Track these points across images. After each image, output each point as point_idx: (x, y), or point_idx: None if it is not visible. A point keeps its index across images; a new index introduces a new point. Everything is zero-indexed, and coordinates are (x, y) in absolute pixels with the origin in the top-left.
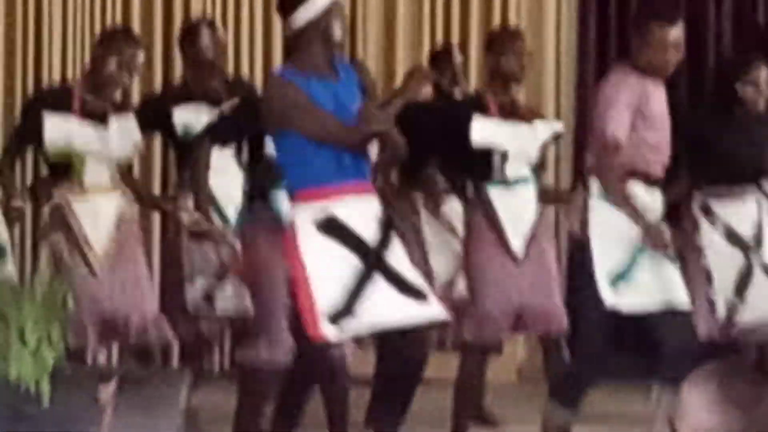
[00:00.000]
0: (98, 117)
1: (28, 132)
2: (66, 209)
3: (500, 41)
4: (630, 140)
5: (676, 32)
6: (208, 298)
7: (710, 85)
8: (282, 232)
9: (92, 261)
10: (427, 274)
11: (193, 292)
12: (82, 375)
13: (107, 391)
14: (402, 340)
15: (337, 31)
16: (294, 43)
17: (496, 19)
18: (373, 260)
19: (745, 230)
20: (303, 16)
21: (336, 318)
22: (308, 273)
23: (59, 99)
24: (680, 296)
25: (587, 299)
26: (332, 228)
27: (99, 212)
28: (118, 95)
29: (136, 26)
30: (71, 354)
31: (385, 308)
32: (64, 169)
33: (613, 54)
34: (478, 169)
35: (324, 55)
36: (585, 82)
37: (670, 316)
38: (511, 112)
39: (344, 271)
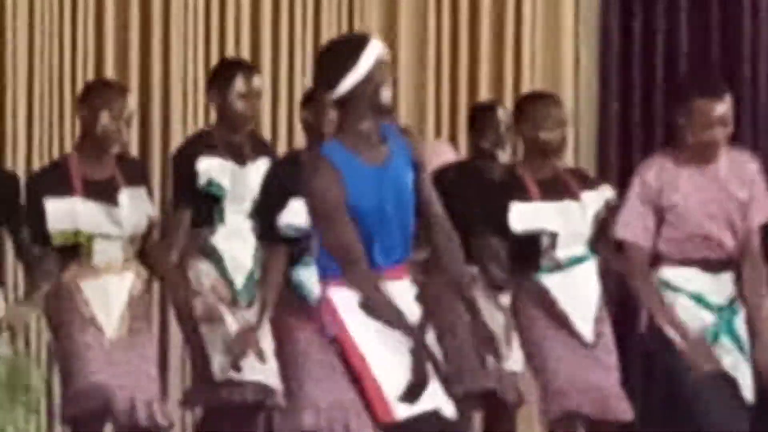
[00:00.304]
0: (105, 193)
1: (35, 219)
2: (74, 290)
3: (535, 109)
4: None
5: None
6: (236, 367)
7: None
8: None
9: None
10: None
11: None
12: None
13: None
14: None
15: (386, 95)
16: (339, 114)
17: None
18: (419, 341)
19: None
20: (348, 83)
21: (405, 398)
22: (368, 360)
23: (56, 180)
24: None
25: None
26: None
27: (109, 292)
28: (116, 150)
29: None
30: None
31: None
32: (72, 249)
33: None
34: (525, 256)
35: (374, 125)
36: (607, 93)
37: None
38: (553, 187)
39: (401, 351)
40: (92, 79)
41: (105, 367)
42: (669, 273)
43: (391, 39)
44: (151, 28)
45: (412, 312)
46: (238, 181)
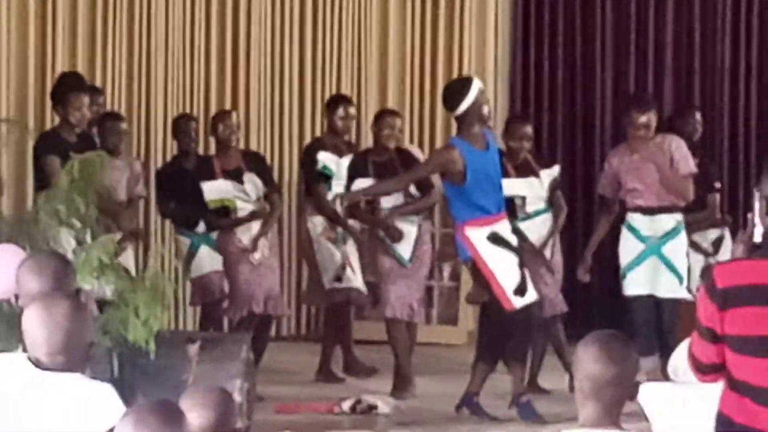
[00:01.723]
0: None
1: None
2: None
3: (512, 128)
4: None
5: (644, 117)
6: (338, 279)
7: None
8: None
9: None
10: None
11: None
12: (177, 338)
13: (194, 349)
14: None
15: (486, 110)
16: (459, 123)
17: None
18: (521, 258)
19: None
20: (464, 105)
21: (518, 291)
22: (494, 272)
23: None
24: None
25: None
26: (497, 240)
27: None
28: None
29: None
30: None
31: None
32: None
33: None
34: (510, 211)
35: (480, 129)
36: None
37: (659, 301)
38: (523, 169)
39: (511, 264)
40: None
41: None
42: (627, 216)
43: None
44: None
45: (513, 239)
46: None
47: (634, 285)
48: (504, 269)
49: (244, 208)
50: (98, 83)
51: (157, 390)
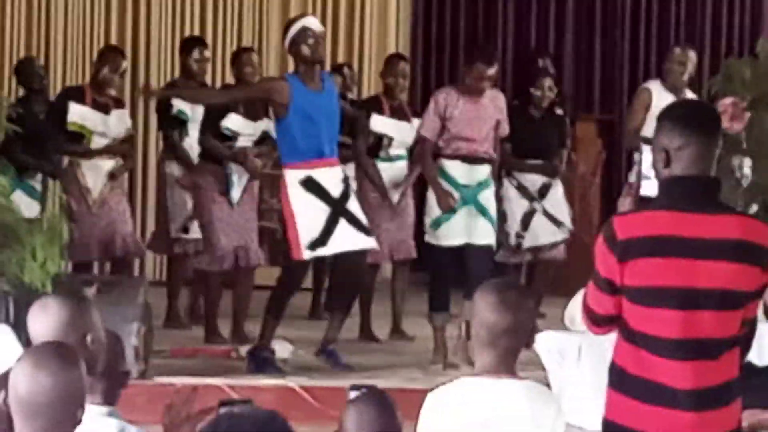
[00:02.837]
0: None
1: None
2: (76, 168)
3: (388, 65)
4: (442, 135)
5: (491, 70)
6: (185, 229)
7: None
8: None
9: (90, 203)
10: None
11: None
12: (75, 281)
13: (90, 292)
14: (350, 259)
15: (306, 50)
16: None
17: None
18: (338, 208)
19: (533, 186)
20: (286, 42)
21: (313, 246)
22: (295, 218)
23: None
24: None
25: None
26: (310, 185)
27: (99, 170)
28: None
29: None
30: (78, 265)
31: (344, 240)
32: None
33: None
34: (373, 148)
35: (308, 69)
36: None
37: (474, 248)
38: (398, 112)
39: (317, 215)
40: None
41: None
42: (442, 163)
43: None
44: None
45: (337, 188)
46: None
47: (451, 236)
48: (307, 218)
49: (98, 143)
50: None
51: None
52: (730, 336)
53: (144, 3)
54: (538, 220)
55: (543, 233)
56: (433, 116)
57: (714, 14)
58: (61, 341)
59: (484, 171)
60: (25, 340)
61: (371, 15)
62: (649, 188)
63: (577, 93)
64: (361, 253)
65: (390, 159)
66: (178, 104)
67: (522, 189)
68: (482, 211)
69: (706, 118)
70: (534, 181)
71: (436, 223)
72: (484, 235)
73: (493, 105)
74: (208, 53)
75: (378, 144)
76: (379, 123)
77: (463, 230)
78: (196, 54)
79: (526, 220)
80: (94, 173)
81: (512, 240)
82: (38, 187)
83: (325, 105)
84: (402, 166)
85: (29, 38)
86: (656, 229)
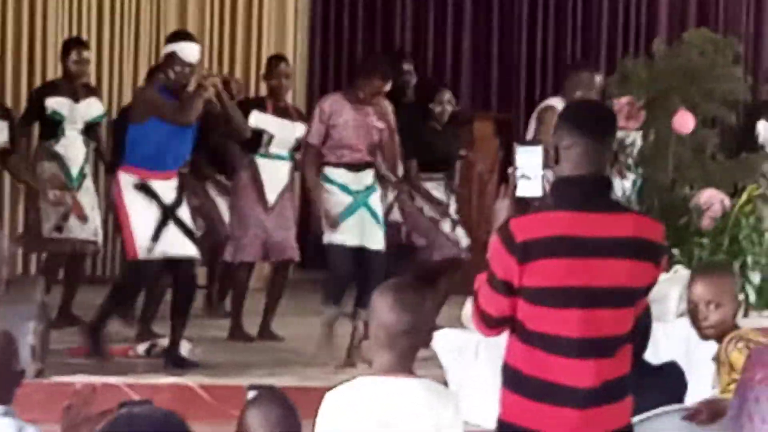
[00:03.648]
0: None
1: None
2: None
3: (269, 66)
4: (326, 143)
5: (388, 86)
6: (58, 228)
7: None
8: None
9: None
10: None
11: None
12: None
13: None
14: (182, 268)
15: (172, 75)
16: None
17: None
18: (168, 213)
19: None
20: (163, 53)
21: (146, 242)
22: (130, 219)
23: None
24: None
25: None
26: (144, 189)
27: None
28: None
29: None
30: None
31: (173, 245)
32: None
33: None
34: (253, 144)
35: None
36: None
37: (371, 254)
38: (282, 112)
39: (150, 215)
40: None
41: None
42: (327, 170)
43: None
44: None
45: (169, 195)
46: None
47: (347, 235)
48: (141, 218)
49: None
50: None
51: None
52: (624, 333)
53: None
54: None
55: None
56: (318, 123)
57: (610, 14)
58: None
59: (369, 175)
60: None
61: (269, 20)
62: (526, 189)
63: (474, 92)
64: (191, 262)
65: (269, 156)
66: (53, 104)
67: (430, 199)
68: (373, 214)
69: (596, 118)
70: (440, 191)
71: (334, 223)
72: (378, 240)
73: (379, 114)
74: (87, 54)
75: (257, 140)
76: (260, 120)
77: (359, 232)
78: (74, 56)
79: (453, 223)
80: None
81: (452, 235)
82: None
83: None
84: (282, 165)
85: None
86: (554, 229)
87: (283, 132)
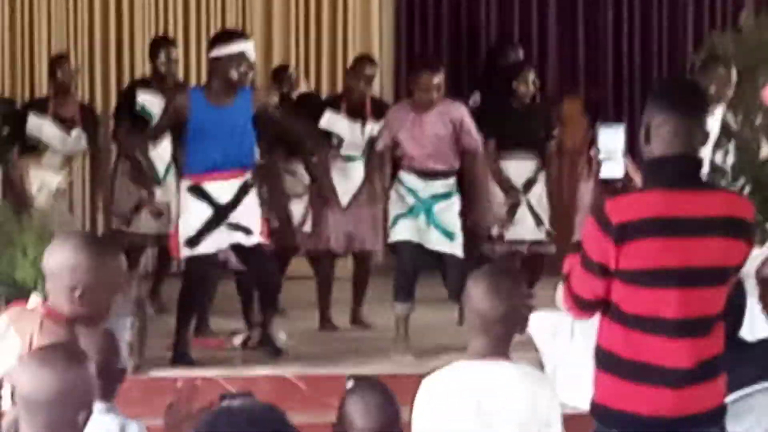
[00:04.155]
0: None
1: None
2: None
3: (355, 65)
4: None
5: (437, 78)
6: (127, 222)
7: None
8: None
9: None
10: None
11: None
12: None
13: None
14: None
15: (234, 75)
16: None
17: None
18: (221, 213)
19: (518, 180)
20: (212, 53)
21: (189, 243)
22: (179, 217)
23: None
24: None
25: None
26: (196, 191)
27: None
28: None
29: None
30: None
31: (224, 240)
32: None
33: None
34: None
35: (222, 86)
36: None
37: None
38: (357, 112)
39: (198, 215)
40: None
41: None
42: (401, 174)
43: None
44: None
45: (226, 196)
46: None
47: (403, 233)
48: (188, 218)
49: (50, 157)
50: None
51: None
52: (718, 311)
53: (127, 16)
54: (522, 213)
55: (524, 228)
56: (385, 131)
57: None
58: (69, 341)
59: (439, 185)
60: None
61: (354, 15)
62: (609, 170)
63: (562, 72)
64: (260, 252)
65: (339, 158)
66: (143, 100)
67: (504, 186)
68: (435, 224)
69: (688, 96)
70: (519, 174)
71: (394, 222)
72: (442, 243)
73: (443, 119)
74: (175, 53)
75: (328, 140)
76: (332, 121)
77: (415, 230)
78: (162, 55)
79: (512, 212)
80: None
81: (494, 230)
82: None
83: (227, 120)
84: (353, 167)
85: (13, 41)
86: (649, 210)
87: (354, 135)
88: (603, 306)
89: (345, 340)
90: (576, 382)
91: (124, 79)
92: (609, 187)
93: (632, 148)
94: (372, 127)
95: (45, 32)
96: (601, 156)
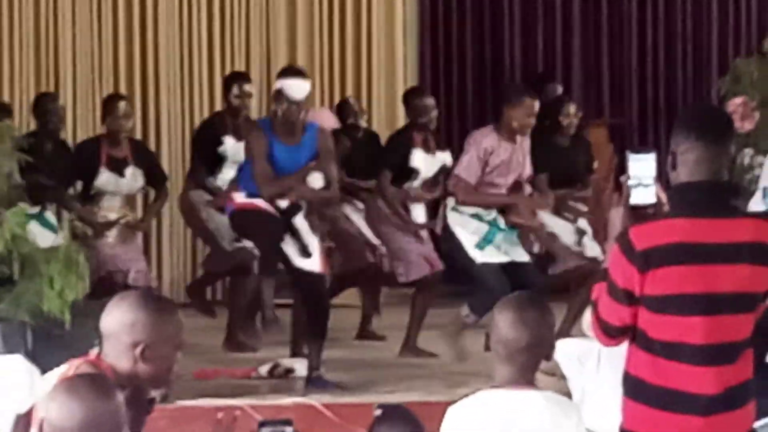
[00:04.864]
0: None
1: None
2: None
3: (413, 101)
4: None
5: (537, 104)
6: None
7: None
8: None
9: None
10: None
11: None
12: (92, 308)
13: None
14: (307, 283)
15: (293, 116)
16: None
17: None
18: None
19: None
20: (274, 88)
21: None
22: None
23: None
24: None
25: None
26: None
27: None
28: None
29: None
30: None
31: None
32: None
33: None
34: (403, 178)
35: (288, 126)
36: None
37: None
38: (426, 145)
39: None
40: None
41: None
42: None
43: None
44: None
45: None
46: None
47: (495, 254)
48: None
49: (110, 200)
50: (5, 58)
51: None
52: (746, 338)
53: (151, 29)
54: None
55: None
56: (476, 161)
57: (720, 15)
58: (97, 373)
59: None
60: (42, 369)
61: (378, 32)
62: (640, 197)
63: (587, 99)
64: (315, 277)
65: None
66: (228, 144)
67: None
68: (507, 231)
69: (713, 122)
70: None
71: (480, 246)
72: (521, 253)
73: (522, 149)
74: (248, 87)
75: (408, 175)
76: (416, 158)
77: (504, 249)
78: (235, 90)
79: (580, 234)
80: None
81: (574, 247)
82: (52, 218)
83: (296, 158)
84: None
85: (38, 71)
86: (674, 236)
87: (430, 169)
88: (630, 332)
89: (374, 368)
90: (604, 410)
91: (149, 92)
92: (640, 214)
93: (660, 175)
94: (442, 156)
95: (69, 41)
96: (631, 182)
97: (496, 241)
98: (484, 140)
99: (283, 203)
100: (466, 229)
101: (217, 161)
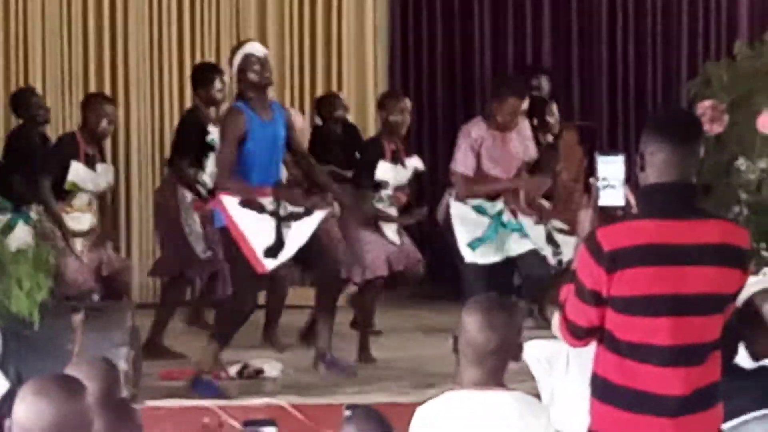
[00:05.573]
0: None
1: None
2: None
3: (389, 102)
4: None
5: (525, 104)
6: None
7: None
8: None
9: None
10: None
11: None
12: (61, 308)
13: (78, 319)
14: (322, 259)
15: (253, 76)
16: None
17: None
18: (280, 217)
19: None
20: (233, 68)
21: (271, 253)
22: (245, 236)
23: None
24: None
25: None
26: (248, 203)
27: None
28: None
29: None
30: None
31: (299, 237)
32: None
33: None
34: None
35: (258, 95)
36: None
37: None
38: (395, 156)
39: (265, 226)
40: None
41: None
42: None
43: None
44: None
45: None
46: None
47: (488, 255)
48: (255, 230)
49: (81, 198)
50: None
51: (42, 361)
52: (713, 340)
53: (121, 30)
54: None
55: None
56: (470, 152)
57: (690, 17)
58: (66, 374)
59: (501, 201)
60: (13, 371)
61: (348, 47)
62: (609, 198)
63: (557, 101)
64: (332, 251)
65: (382, 201)
66: (213, 132)
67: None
68: (510, 225)
69: (681, 124)
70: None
71: (472, 245)
72: (524, 244)
73: (520, 137)
74: (226, 78)
75: (376, 187)
76: (383, 170)
77: (501, 246)
78: (218, 84)
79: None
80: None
81: (552, 260)
82: (33, 215)
83: (272, 135)
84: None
85: (7, 72)
86: (641, 238)
87: (400, 178)
88: (598, 334)
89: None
90: (573, 411)
91: (119, 93)
92: (608, 215)
93: (629, 177)
94: (411, 163)
95: (39, 42)
96: (600, 183)
97: (492, 240)
98: (473, 130)
99: (270, 207)
100: (465, 223)
101: (204, 151)
